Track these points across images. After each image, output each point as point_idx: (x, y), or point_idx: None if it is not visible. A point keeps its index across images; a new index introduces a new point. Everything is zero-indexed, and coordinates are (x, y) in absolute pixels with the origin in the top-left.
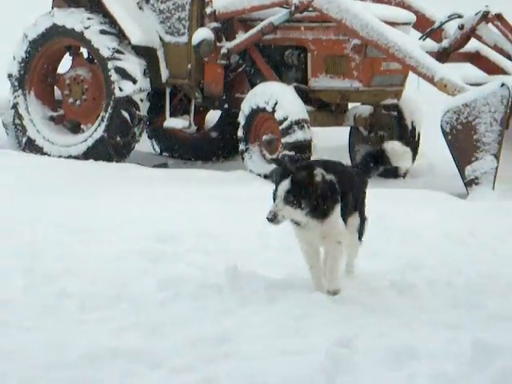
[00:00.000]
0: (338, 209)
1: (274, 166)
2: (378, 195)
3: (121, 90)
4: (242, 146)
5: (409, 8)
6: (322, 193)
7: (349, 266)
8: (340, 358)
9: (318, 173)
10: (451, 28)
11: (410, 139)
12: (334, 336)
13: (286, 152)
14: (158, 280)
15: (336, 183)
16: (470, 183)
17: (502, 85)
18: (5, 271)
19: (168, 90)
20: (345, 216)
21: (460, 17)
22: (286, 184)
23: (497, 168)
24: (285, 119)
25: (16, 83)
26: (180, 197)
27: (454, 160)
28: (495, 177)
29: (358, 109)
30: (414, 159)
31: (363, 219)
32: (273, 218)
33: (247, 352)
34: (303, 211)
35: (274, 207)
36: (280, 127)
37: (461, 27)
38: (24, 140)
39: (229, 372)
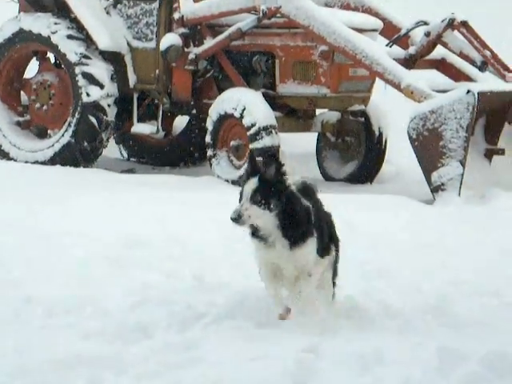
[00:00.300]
0: (313, 238)
1: (243, 171)
2: (344, 200)
3: (88, 95)
4: (209, 152)
5: (376, 15)
6: (297, 203)
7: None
8: (307, 363)
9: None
10: (417, 35)
11: (377, 145)
12: (301, 342)
13: (255, 159)
14: (124, 286)
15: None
16: (436, 189)
17: (468, 91)
18: None
19: (136, 96)
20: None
21: (426, 24)
22: (253, 181)
23: (463, 174)
24: (253, 125)
25: None
26: (147, 202)
27: (421, 166)
28: (461, 183)
29: (325, 115)
30: (380, 166)
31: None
32: (237, 218)
33: (214, 358)
34: (272, 215)
35: (239, 206)
36: (248, 133)
37: (427, 34)
38: None
39: (195, 378)
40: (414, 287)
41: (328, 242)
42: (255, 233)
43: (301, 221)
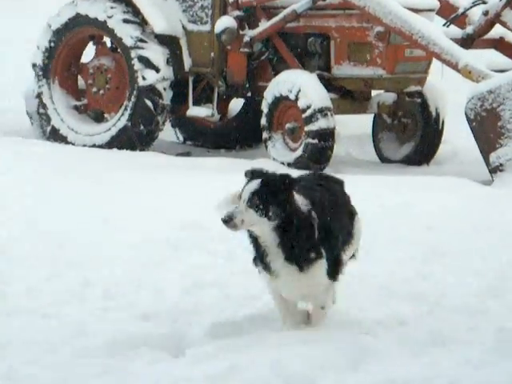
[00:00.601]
0: (322, 260)
1: (298, 153)
2: (401, 182)
3: (144, 78)
4: (265, 135)
5: None
6: (301, 217)
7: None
8: (364, 344)
9: (298, 196)
10: (475, 14)
11: (434, 126)
12: (359, 325)
13: (309, 140)
14: (181, 268)
15: (327, 225)
16: (494, 170)
17: None
18: (30, 260)
19: (191, 79)
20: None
21: (484, 3)
22: (254, 184)
23: None
24: (308, 107)
25: (40, 73)
26: (203, 185)
27: (479, 147)
28: None
29: (381, 96)
30: (437, 147)
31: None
32: (227, 220)
33: (272, 340)
34: (270, 224)
35: (233, 208)
36: (303, 115)
37: (485, 13)
38: (48, 129)
39: (252, 360)
40: (471, 268)
41: (339, 256)
42: (256, 258)
43: (306, 238)
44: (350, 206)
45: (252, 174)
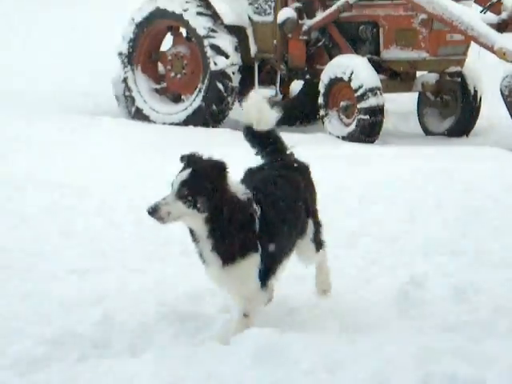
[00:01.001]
0: (256, 256)
1: (352, 128)
2: (442, 152)
3: (215, 64)
4: (322, 112)
5: None
6: (236, 208)
7: (318, 284)
8: (409, 293)
9: (237, 185)
10: (509, 1)
11: (472, 103)
12: (405, 275)
13: (361, 116)
14: None
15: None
16: None
17: None
18: (118, 223)
19: (256, 64)
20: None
21: None
22: (184, 174)
23: None
24: (360, 87)
25: (125, 60)
26: None
27: None
28: None
29: (425, 76)
30: (475, 121)
31: (318, 225)
32: (152, 212)
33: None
34: (200, 217)
35: (161, 199)
36: (355, 94)
37: None
38: (133, 110)
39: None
40: (506, 227)
41: (306, 214)
42: (195, 245)
43: (237, 229)
44: (307, 194)
45: (187, 160)
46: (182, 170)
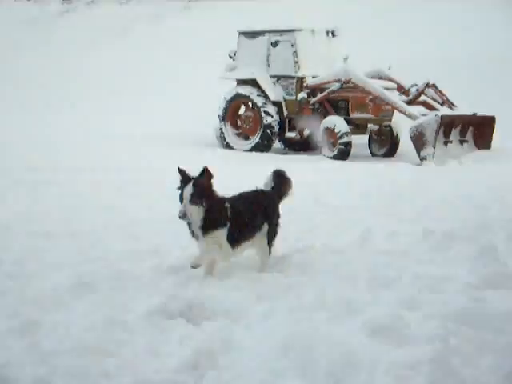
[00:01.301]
0: (224, 229)
1: (335, 152)
2: (381, 163)
3: (266, 120)
4: (320, 144)
5: (393, 81)
6: (217, 203)
7: (260, 265)
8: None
9: (215, 190)
10: (413, 90)
11: (395, 140)
12: (438, 229)
13: (340, 147)
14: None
15: (230, 209)
16: (422, 159)
17: (436, 115)
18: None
19: (287, 120)
20: (240, 236)
21: (417, 85)
22: (189, 188)
23: (434, 152)
24: (339, 132)
25: (221, 119)
26: (298, 170)
27: (415, 149)
28: (433, 156)
29: (372, 126)
30: (396, 149)
31: (272, 229)
32: (182, 216)
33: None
34: (200, 209)
35: (182, 207)
36: (337, 135)
37: (417, 89)
38: (224, 143)
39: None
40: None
41: (261, 221)
42: (191, 232)
43: (216, 213)
44: (267, 209)
45: (181, 173)
46: (185, 186)
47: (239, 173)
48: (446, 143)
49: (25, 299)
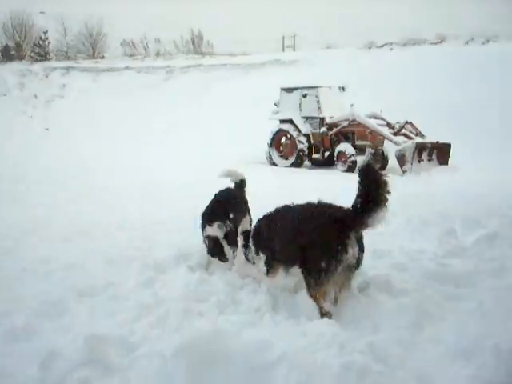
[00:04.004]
0: None
1: (345, 168)
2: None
3: (299, 146)
4: (336, 162)
5: (384, 119)
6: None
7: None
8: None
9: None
10: (397, 126)
11: (386, 159)
12: (455, 219)
13: (349, 164)
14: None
15: None
16: (404, 171)
17: (413, 143)
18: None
19: (313, 146)
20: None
21: (400, 122)
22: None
23: (411, 167)
24: (348, 153)
25: (269, 145)
26: (323, 179)
27: (399, 164)
28: (411, 169)
29: (369, 149)
30: (386, 166)
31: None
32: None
33: None
34: None
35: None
36: (347, 156)
37: (400, 125)
38: (271, 162)
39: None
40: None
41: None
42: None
43: None
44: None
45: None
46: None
47: (285, 180)
48: (419, 161)
49: (147, 264)
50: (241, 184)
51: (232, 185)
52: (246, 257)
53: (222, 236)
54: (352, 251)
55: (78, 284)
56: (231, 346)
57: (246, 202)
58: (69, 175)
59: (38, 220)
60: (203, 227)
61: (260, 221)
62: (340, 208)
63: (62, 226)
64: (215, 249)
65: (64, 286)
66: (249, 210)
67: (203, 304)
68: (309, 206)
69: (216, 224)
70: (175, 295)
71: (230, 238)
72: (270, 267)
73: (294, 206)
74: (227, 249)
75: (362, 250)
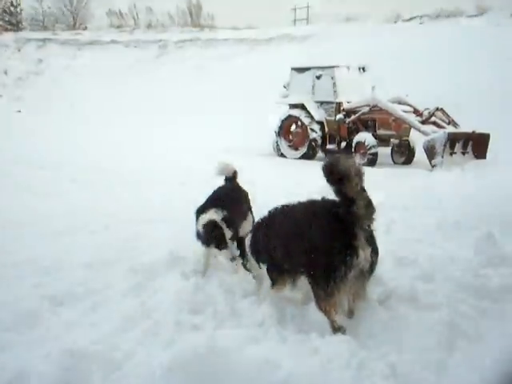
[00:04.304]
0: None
1: (365, 161)
2: (402, 170)
3: (311, 135)
4: (353, 154)
5: (410, 105)
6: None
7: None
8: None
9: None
10: (426, 113)
11: (412, 151)
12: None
13: (369, 156)
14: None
15: None
16: (433, 166)
17: (444, 132)
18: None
19: (328, 135)
20: None
21: (429, 109)
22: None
23: (442, 161)
24: (368, 144)
25: (277, 134)
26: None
27: (427, 157)
28: (442, 163)
29: (393, 140)
30: (413, 159)
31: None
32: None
33: None
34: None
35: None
36: (367, 147)
37: (429, 112)
38: (279, 153)
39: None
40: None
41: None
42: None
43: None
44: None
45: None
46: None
47: (294, 174)
48: (451, 154)
49: (133, 268)
50: (233, 178)
51: (224, 181)
52: (245, 266)
53: (220, 218)
54: (364, 254)
55: (52, 291)
56: (230, 365)
57: (246, 197)
58: (39, 165)
59: (4, 216)
60: (197, 219)
61: (257, 225)
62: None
63: (32, 224)
64: (213, 233)
65: (37, 294)
66: (250, 208)
67: (198, 316)
68: (309, 205)
69: (212, 210)
70: (166, 305)
71: (229, 221)
72: (274, 280)
73: (292, 205)
74: (227, 232)
75: (375, 251)
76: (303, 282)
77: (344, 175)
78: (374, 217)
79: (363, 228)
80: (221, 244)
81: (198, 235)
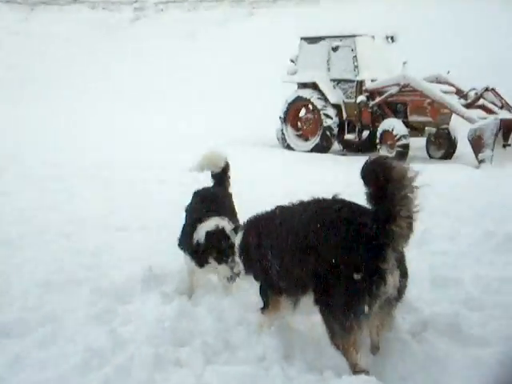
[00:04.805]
0: None
1: (393, 154)
2: (439, 165)
3: (326, 122)
4: (378, 146)
5: (452, 85)
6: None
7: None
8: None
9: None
10: (472, 94)
11: (453, 143)
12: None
13: (398, 148)
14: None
15: None
16: (480, 162)
17: (495, 119)
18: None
19: (346, 122)
20: None
21: (475, 89)
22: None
23: (492, 155)
24: (397, 134)
25: (283, 121)
26: (343, 164)
27: (473, 151)
28: (492, 158)
29: (429, 129)
30: (454, 152)
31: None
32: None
33: None
34: None
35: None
36: (396, 138)
37: (476, 93)
38: (285, 144)
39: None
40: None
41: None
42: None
43: None
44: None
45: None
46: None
47: (303, 172)
48: (504, 146)
49: (101, 288)
50: (224, 174)
51: (212, 178)
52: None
53: (231, 228)
54: (392, 280)
55: None
56: None
57: (231, 204)
58: None
59: None
60: (194, 228)
61: (248, 228)
62: (366, 210)
63: None
64: (221, 244)
65: None
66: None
67: (183, 348)
68: (318, 208)
69: (216, 217)
70: (142, 335)
71: (236, 231)
72: (268, 299)
73: (296, 205)
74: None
75: (404, 275)
76: (306, 307)
77: (395, 182)
78: (411, 236)
79: (397, 250)
80: (228, 257)
81: (192, 248)
